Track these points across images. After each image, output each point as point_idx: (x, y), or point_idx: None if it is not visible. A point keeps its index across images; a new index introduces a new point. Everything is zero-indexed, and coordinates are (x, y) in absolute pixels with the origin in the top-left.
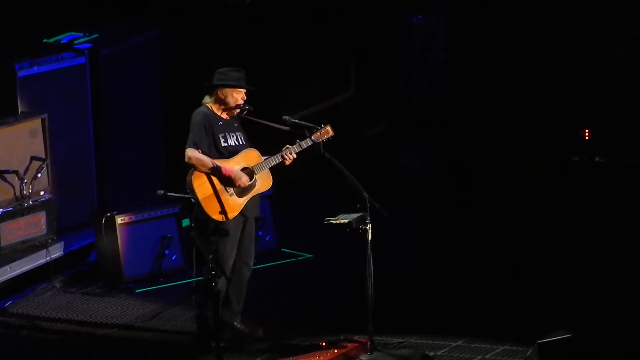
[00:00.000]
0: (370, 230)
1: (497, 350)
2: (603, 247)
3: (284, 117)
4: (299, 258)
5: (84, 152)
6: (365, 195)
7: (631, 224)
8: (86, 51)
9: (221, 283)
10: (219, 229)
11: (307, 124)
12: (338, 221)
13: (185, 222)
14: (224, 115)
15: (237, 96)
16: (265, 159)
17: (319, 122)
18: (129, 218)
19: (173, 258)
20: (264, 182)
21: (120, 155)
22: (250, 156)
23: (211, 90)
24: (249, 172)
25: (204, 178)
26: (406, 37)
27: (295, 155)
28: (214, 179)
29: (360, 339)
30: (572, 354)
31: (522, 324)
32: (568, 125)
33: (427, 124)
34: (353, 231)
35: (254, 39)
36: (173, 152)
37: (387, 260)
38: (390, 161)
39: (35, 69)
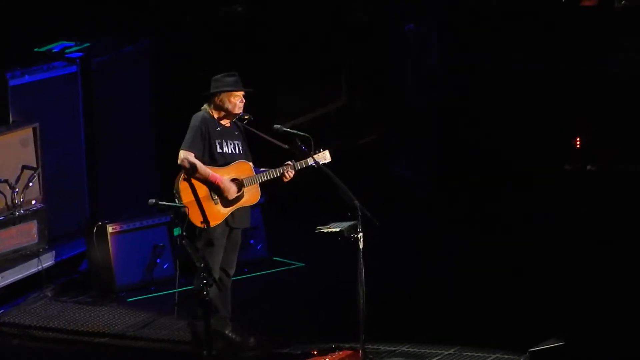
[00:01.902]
0: (361, 239)
1: (489, 359)
2: (595, 256)
3: (275, 125)
4: (291, 267)
5: (75, 161)
6: (357, 203)
7: (622, 231)
8: (77, 60)
9: (212, 291)
10: (204, 237)
11: (298, 132)
12: (329, 230)
13: (177, 231)
14: (224, 122)
15: (235, 100)
16: (258, 173)
17: (312, 131)
18: (121, 227)
19: (165, 267)
20: (251, 195)
21: (112, 164)
22: (242, 168)
23: (209, 98)
24: (238, 183)
25: (192, 182)
26: (400, 45)
27: (294, 173)
28: (201, 185)
29: (351, 348)
30: None
31: (513, 333)
32: (560, 133)
33: (420, 132)
34: (344, 240)
35: (245, 48)
36: (164, 161)
37: (379, 269)
38: (383, 170)
39: (27, 78)
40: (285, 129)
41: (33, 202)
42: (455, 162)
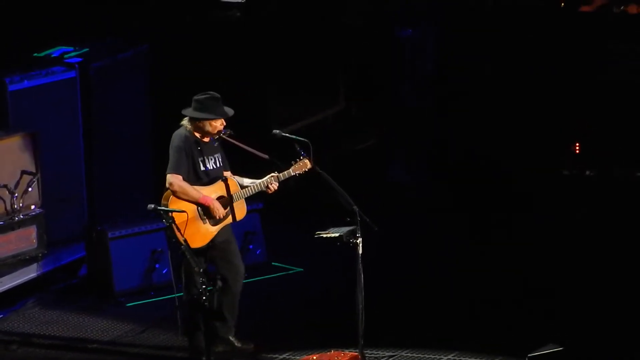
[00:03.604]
0: (360, 244)
1: None
2: (594, 261)
3: (274, 131)
4: (290, 272)
5: (74, 166)
6: (356, 208)
7: (620, 237)
8: (76, 65)
9: (211, 300)
10: (186, 252)
11: (297, 137)
12: (328, 235)
13: None
14: (205, 139)
15: (216, 124)
16: (243, 188)
17: (309, 136)
18: (119, 232)
19: (164, 272)
20: (239, 211)
21: (111, 169)
22: (228, 185)
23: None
24: (225, 201)
25: (180, 204)
26: (396, 49)
27: (277, 186)
28: (191, 205)
29: (350, 353)
30: None
31: (512, 338)
32: (559, 139)
33: (416, 136)
34: (343, 245)
35: (242, 53)
36: (163, 166)
37: (377, 274)
38: (380, 174)
39: (26, 83)
40: (283, 134)
41: (32, 207)
42: (452, 166)
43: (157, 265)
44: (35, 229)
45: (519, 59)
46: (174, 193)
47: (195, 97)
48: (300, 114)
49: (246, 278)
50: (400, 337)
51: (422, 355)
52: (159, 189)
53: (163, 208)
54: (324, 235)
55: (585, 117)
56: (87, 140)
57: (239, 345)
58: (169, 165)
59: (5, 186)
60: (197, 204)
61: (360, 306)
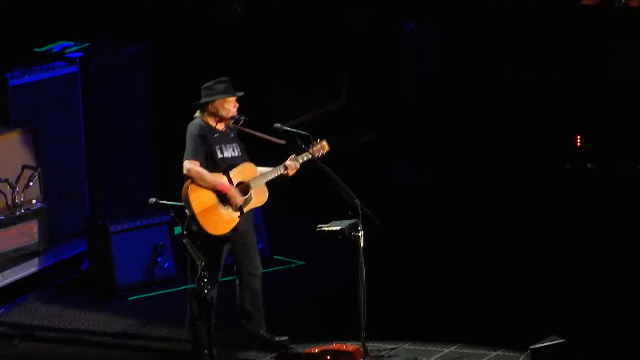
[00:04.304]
0: (362, 237)
1: (490, 356)
2: (596, 253)
3: (275, 125)
4: (291, 265)
5: (75, 161)
6: (357, 202)
7: (623, 230)
8: (77, 60)
9: (213, 293)
10: (208, 242)
11: (298, 131)
12: (330, 228)
13: (178, 230)
14: (220, 127)
15: (229, 106)
16: (262, 173)
17: (311, 130)
18: (121, 226)
19: (165, 266)
20: (259, 196)
21: (112, 164)
22: (247, 170)
23: (202, 106)
24: (245, 186)
25: (201, 191)
26: (397, 47)
27: (298, 167)
28: (211, 192)
29: (352, 345)
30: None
31: (515, 330)
32: (560, 132)
33: (418, 134)
34: (345, 238)
35: (244, 49)
36: (164, 161)
37: (379, 267)
38: (381, 170)
39: (27, 78)
40: (285, 127)
41: (33, 201)
42: (454, 161)
43: (159, 260)
44: (37, 224)
45: (521, 54)
46: (192, 179)
47: (204, 86)
48: (301, 109)
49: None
50: (402, 329)
51: (424, 348)
52: (160, 183)
53: (165, 202)
54: (326, 229)
55: (587, 110)
56: (88, 135)
57: (272, 339)
58: (186, 152)
59: (6, 181)
60: (215, 190)
61: (362, 299)
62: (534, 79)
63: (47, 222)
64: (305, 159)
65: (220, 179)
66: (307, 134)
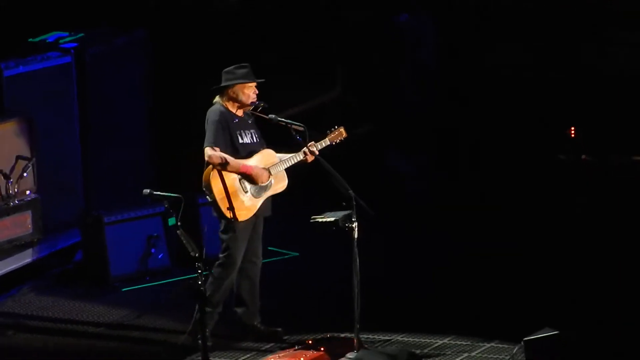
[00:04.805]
0: (356, 229)
1: (484, 348)
2: (589, 246)
3: (270, 115)
4: (285, 256)
5: (70, 151)
6: (352, 193)
7: (616, 222)
8: (72, 50)
9: (229, 282)
10: (230, 228)
11: (293, 122)
12: (324, 219)
13: (172, 221)
14: (239, 113)
15: (249, 92)
16: (281, 160)
17: (305, 122)
18: (115, 217)
19: (159, 257)
20: (279, 182)
21: (107, 155)
22: (267, 156)
23: (222, 91)
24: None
25: (221, 177)
26: (395, 38)
27: (317, 153)
28: (232, 179)
29: (346, 337)
30: (557, 351)
31: (509, 322)
32: (555, 123)
33: (415, 125)
34: (339, 229)
35: (240, 39)
36: (159, 152)
37: (374, 259)
38: (377, 161)
39: (21, 68)
40: (279, 119)
41: (27, 192)
42: (449, 152)
43: (152, 251)
44: (31, 215)
45: (517, 45)
46: (213, 165)
47: (225, 70)
48: (296, 100)
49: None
50: (396, 321)
51: (419, 339)
52: (155, 174)
53: (159, 193)
54: (320, 220)
55: (581, 102)
56: (83, 125)
57: (266, 331)
58: (206, 139)
59: (0, 171)
60: (239, 173)
61: (356, 290)
62: (529, 71)
63: (41, 213)
64: (323, 145)
65: (242, 162)
66: (302, 125)
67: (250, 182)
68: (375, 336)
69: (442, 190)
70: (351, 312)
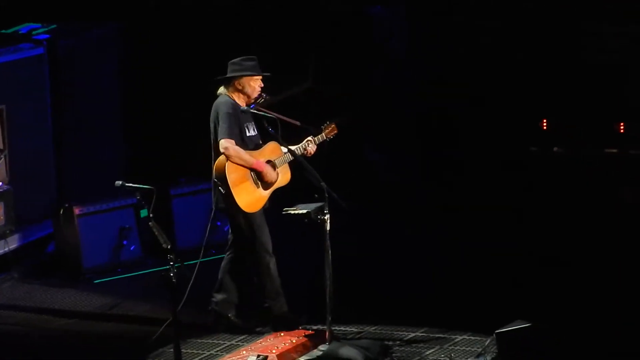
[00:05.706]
0: (328, 221)
1: (456, 340)
2: (561, 238)
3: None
4: None
5: (42, 143)
6: (323, 185)
7: (587, 213)
8: (45, 42)
9: (273, 267)
10: (251, 219)
11: (265, 114)
12: (296, 212)
13: (144, 213)
14: (243, 105)
15: (255, 85)
16: (285, 153)
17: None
18: (87, 209)
19: (131, 249)
20: (284, 175)
21: (80, 146)
22: (273, 149)
23: (228, 81)
24: (272, 165)
25: (236, 169)
26: (366, 29)
27: (315, 148)
28: (244, 171)
29: (318, 330)
30: (529, 344)
31: (481, 315)
32: (526, 116)
33: (389, 117)
34: (311, 221)
35: (214, 32)
36: (131, 144)
37: (346, 251)
38: (354, 154)
39: None
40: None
41: (0, 184)
42: (424, 145)
43: (124, 242)
44: (3, 206)
45: (491, 37)
46: (229, 157)
47: (231, 61)
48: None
49: (215, 254)
50: (368, 313)
51: (391, 332)
52: (127, 166)
53: (131, 185)
54: (292, 212)
55: (553, 94)
56: (56, 116)
57: (239, 323)
58: (221, 131)
59: None
60: (251, 168)
61: (328, 282)
62: (501, 61)
63: (13, 204)
64: (320, 140)
65: (256, 158)
66: (274, 116)
67: (260, 178)
68: (348, 328)
69: (417, 182)
70: (323, 304)
